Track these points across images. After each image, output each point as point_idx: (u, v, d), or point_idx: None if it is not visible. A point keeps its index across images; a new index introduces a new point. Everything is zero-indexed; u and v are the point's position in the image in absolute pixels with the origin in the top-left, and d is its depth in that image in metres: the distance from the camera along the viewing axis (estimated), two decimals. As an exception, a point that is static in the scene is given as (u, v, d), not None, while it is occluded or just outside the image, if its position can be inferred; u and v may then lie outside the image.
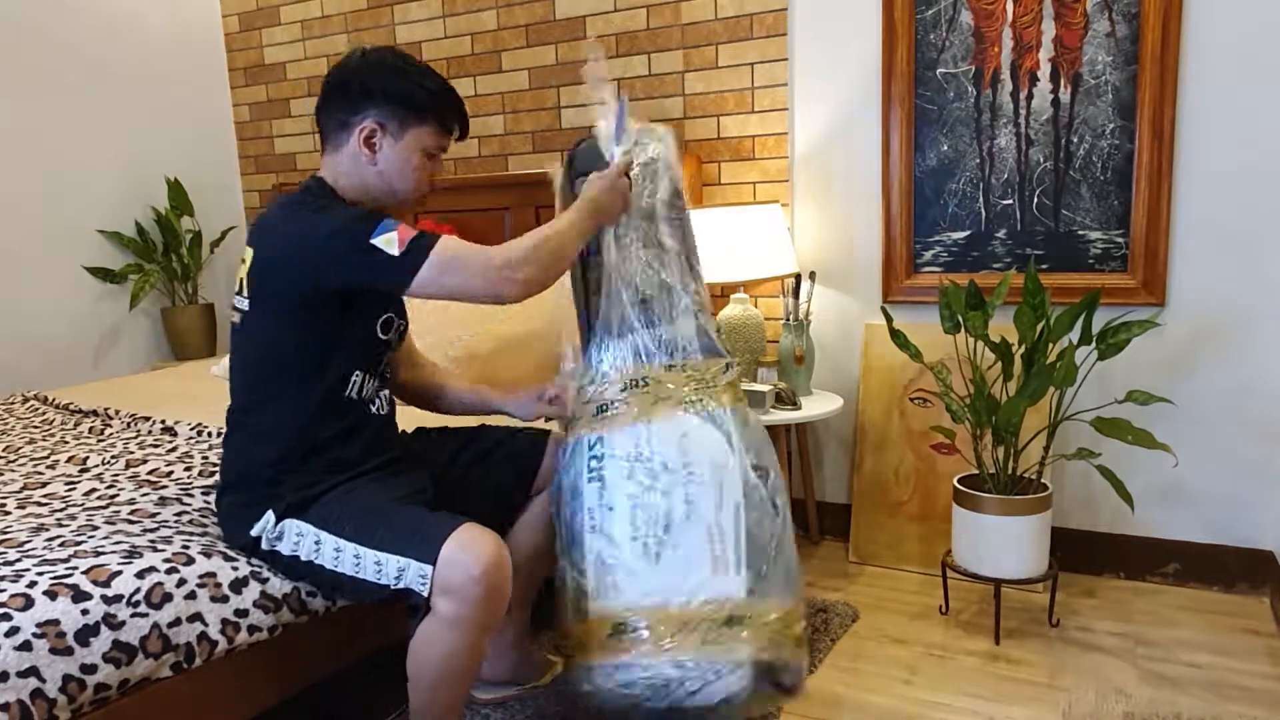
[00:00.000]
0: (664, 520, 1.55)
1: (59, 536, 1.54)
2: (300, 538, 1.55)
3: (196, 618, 1.45)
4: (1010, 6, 2.45)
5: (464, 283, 1.48)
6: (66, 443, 2.22)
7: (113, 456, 2.05)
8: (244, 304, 1.60)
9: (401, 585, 1.45)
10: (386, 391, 1.74)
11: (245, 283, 1.59)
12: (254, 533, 1.58)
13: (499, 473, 1.85)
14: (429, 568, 1.42)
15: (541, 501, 1.84)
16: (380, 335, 1.66)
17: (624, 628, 1.49)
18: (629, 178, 1.72)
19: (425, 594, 1.43)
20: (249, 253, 1.60)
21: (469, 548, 1.41)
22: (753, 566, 1.57)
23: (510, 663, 1.94)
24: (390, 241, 1.47)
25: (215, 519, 1.71)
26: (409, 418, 1.94)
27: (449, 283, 1.48)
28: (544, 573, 1.89)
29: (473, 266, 1.48)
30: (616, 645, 1.49)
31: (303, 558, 1.54)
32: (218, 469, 1.95)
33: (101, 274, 3.45)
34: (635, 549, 1.54)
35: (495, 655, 1.91)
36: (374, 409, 1.68)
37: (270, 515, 1.57)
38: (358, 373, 1.63)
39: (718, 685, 1.49)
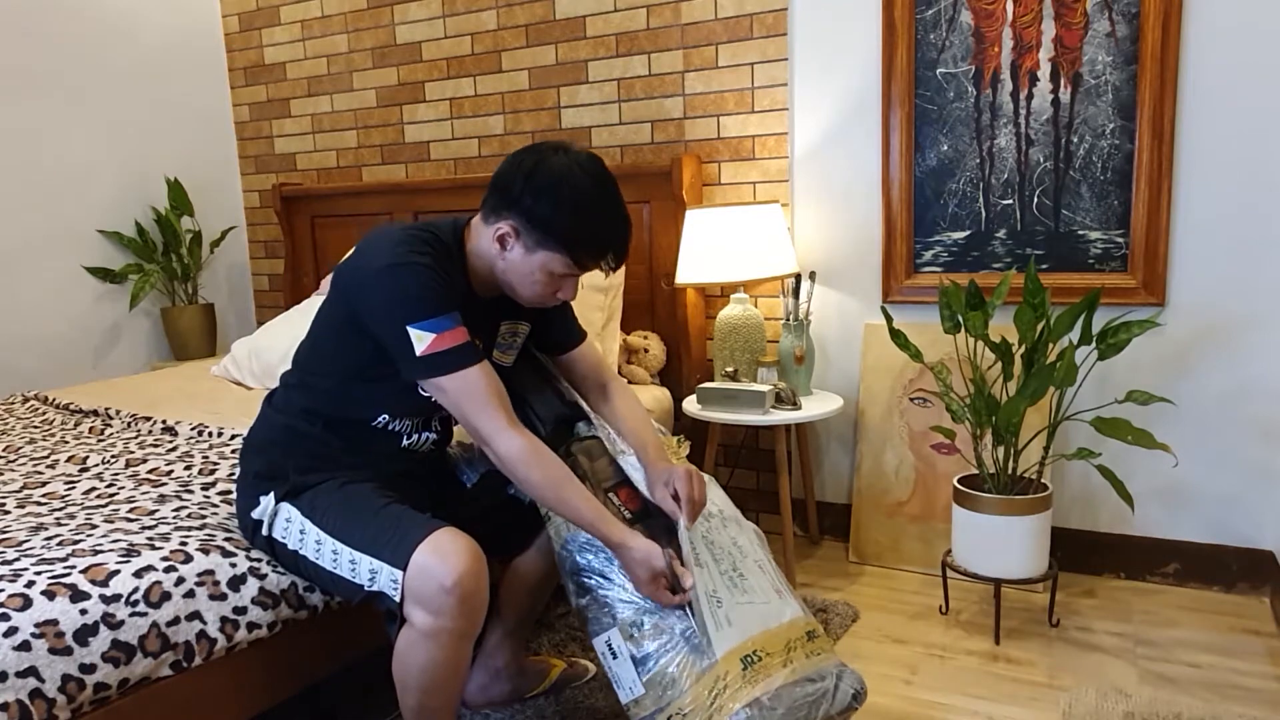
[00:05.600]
0: (729, 557, 1.64)
1: (57, 535, 1.54)
2: (289, 524, 1.54)
3: (195, 616, 1.45)
4: (1010, 6, 2.45)
5: (461, 418, 1.52)
6: (66, 442, 2.22)
7: (113, 456, 2.05)
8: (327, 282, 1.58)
9: (375, 588, 1.43)
10: (433, 436, 1.70)
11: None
12: (255, 515, 1.58)
13: (516, 501, 1.81)
14: (399, 573, 1.39)
15: (546, 536, 1.80)
16: (423, 392, 1.57)
17: (751, 658, 1.54)
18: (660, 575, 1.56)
19: (397, 599, 1.41)
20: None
21: (442, 555, 1.38)
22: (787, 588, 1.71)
23: (508, 683, 1.91)
24: (422, 340, 1.45)
25: (215, 510, 1.71)
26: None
27: (450, 404, 1.51)
28: (543, 603, 1.91)
29: (471, 415, 1.49)
30: (752, 677, 1.53)
31: (290, 546, 1.54)
32: (218, 467, 1.95)
33: (101, 274, 3.45)
34: (725, 584, 1.60)
35: (491, 680, 1.89)
36: (407, 443, 1.65)
37: (271, 498, 1.56)
38: (385, 415, 1.61)
39: (843, 686, 1.59)
